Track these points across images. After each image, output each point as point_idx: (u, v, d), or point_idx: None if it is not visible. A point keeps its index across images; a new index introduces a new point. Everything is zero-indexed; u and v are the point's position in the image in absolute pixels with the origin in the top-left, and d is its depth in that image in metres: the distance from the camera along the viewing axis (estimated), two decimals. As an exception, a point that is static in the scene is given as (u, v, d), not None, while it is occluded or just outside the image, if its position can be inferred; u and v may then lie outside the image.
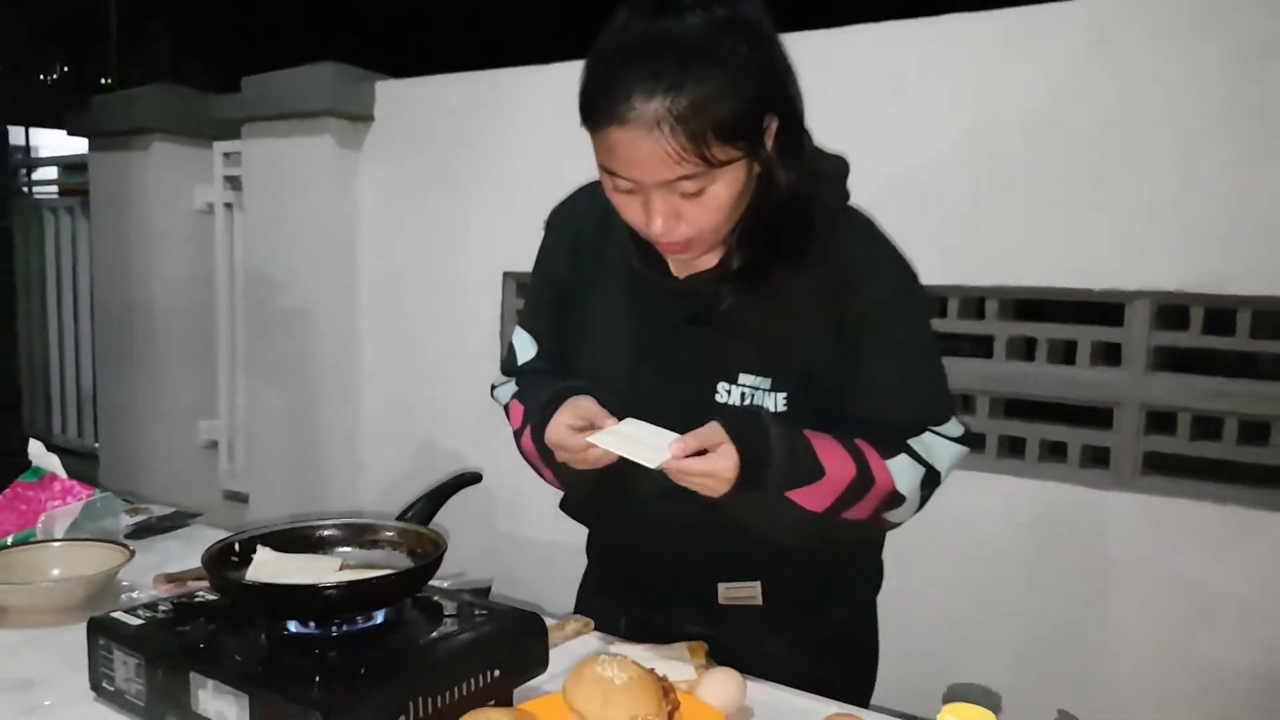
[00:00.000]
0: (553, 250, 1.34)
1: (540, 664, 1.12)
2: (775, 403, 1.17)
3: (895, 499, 1.16)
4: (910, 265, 1.23)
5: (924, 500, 1.21)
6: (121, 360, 3.62)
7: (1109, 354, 1.92)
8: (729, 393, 1.18)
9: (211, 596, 1.13)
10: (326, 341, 3.04)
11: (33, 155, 5.64)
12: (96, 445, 3.92)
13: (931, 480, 1.18)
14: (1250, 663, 1.75)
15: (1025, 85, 1.95)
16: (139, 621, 1.08)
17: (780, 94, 1.09)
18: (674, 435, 1.09)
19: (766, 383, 1.17)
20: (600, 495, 1.30)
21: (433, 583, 1.14)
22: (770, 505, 1.11)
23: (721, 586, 1.27)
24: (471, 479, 1.45)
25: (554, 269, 1.33)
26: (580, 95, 1.07)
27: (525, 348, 1.38)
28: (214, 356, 3.58)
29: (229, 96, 3.24)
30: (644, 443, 1.10)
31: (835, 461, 1.12)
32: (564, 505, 1.41)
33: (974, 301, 2.04)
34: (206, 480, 3.60)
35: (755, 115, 1.06)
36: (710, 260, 1.20)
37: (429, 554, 1.12)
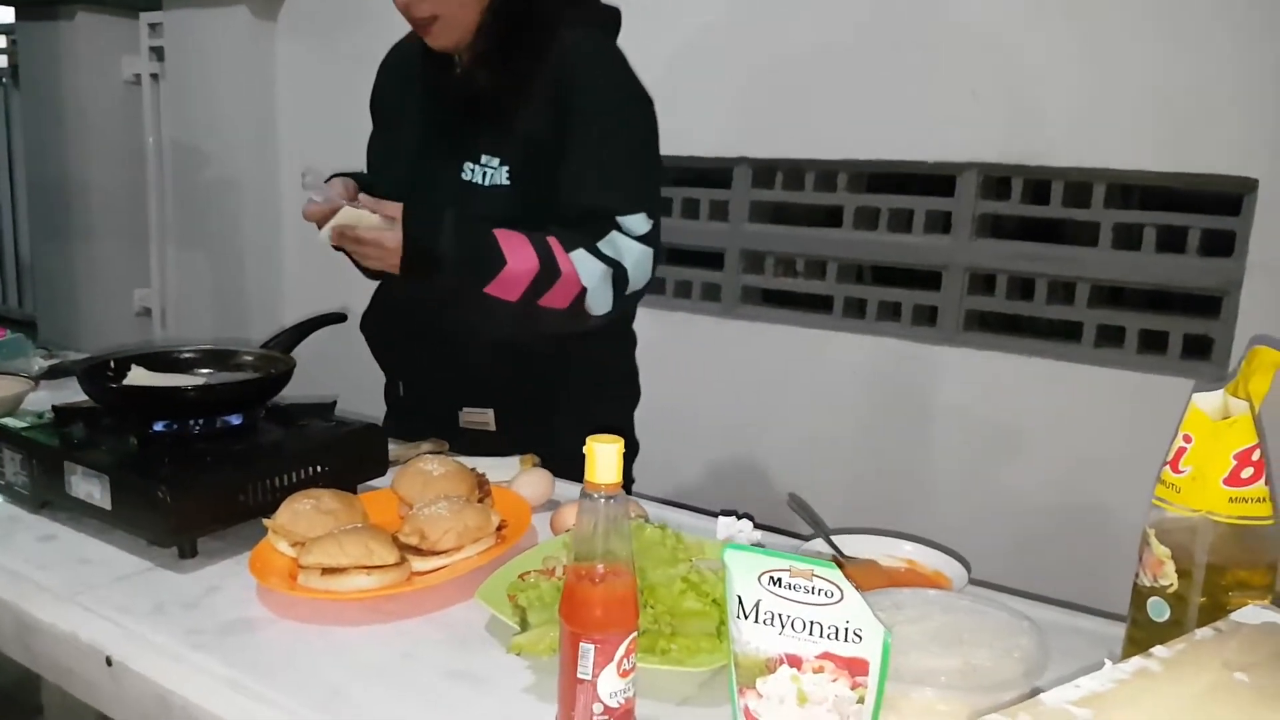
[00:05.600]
0: (376, 80, 1.62)
1: (379, 467, 1.31)
2: (501, 177, 1.40)
3: (582, 290, 1.34)
4: (634, 80, 1.43)
5: (618, 296, 1.38)
6: (56, 231, 3.71)
7: (943, 223, 2.11)
8: (473, 171, 1.42)
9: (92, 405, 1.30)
10: (249, 210, 3.16)
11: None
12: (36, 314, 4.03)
13: (620, 278, 1.37)
14: (1048, 493, 2.00)
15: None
16: (24, 424, 1.26)
17: None
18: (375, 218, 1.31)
19: (496, 161, 1.40)
20: (376, 334, 1.60)
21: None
22: (476, 304, 1.32)
23: (461, 411, 1.51)
24: (335, 318, 1.61)
25: (374, 97, 1.62)
26: None
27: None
28: (146, 226, 3.67)
29: (148, -35, 3.27)
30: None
31: (518, 253, 1.32)
32: (361, 325, 1.65)
33: (829, 176, 2.21)
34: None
35: None
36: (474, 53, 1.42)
37: (280, 372, 1.30)
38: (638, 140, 1.43)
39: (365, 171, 1.60)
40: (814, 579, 0.73)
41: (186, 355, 1.37)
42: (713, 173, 2.39)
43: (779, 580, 0.74)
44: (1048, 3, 1.90)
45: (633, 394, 1.63)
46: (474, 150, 1.41)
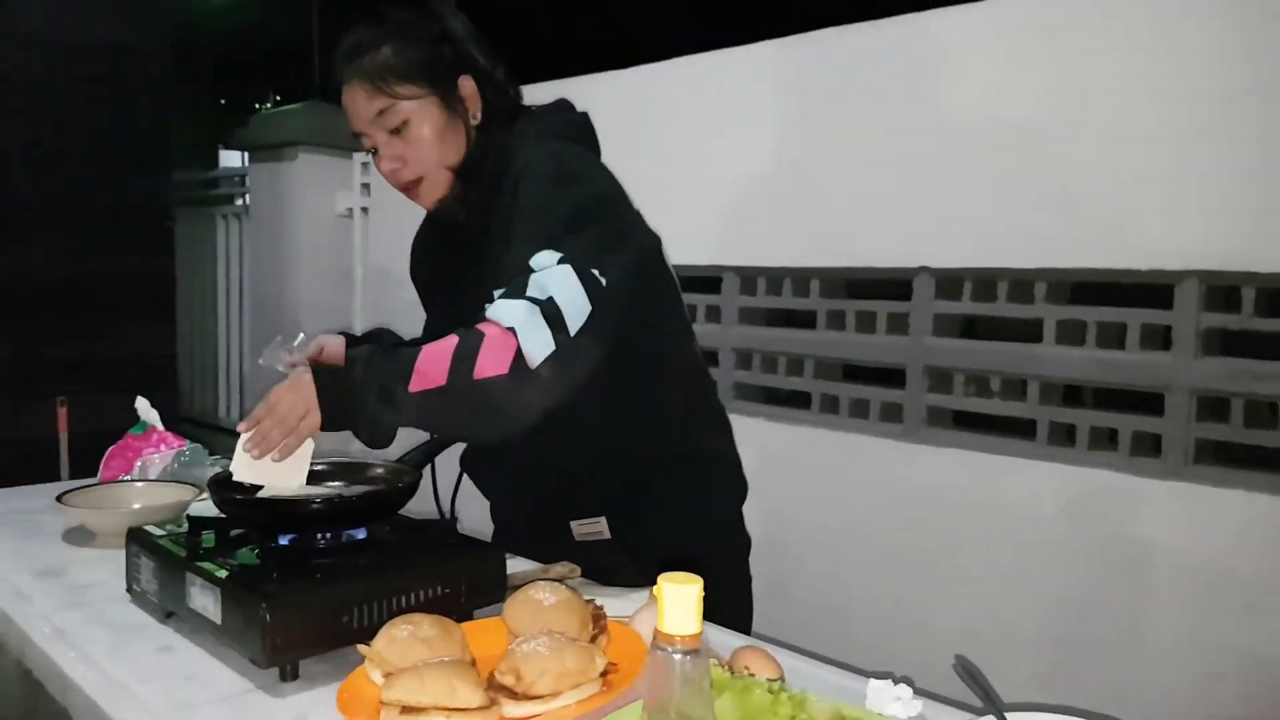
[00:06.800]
0: (411, 257, 1.74)
1: (496, 592, 1.21)
2: None
3: (515, 340, 1.17)
4: (569, 165, 1.35)
5: (559, 333, 1.19)
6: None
7: (1161, 338, 1.85)
8: None
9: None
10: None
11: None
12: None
13: (553, 312, 1.19)
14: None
15: (1061, 67, 1.92)
16: (162, 533, 1.26)
17: (467, 64, 1.40)
18: None
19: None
20: (478, 460, 1.56)
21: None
22: (410, 411, 1.19)
23: (573, 524, 1.44)
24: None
25: (411, 272, 1.74)
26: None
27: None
28: (350, 346, 3.88)
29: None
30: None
31: (434, 344, 1.20)
32: (462, 463, 1.60)
33: (1025, 285, 2.01)
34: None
35: (431, 68, 1.37)
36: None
37: (405, 485, 1.25)
38: (559, 209, 1.30)
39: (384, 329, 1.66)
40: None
41: (319, 467, 1.34)
42: (890, 284, 2.23)
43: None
44: (1275, 84, 1.66)
45: (740, 483, 1.55)
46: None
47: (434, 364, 1.18)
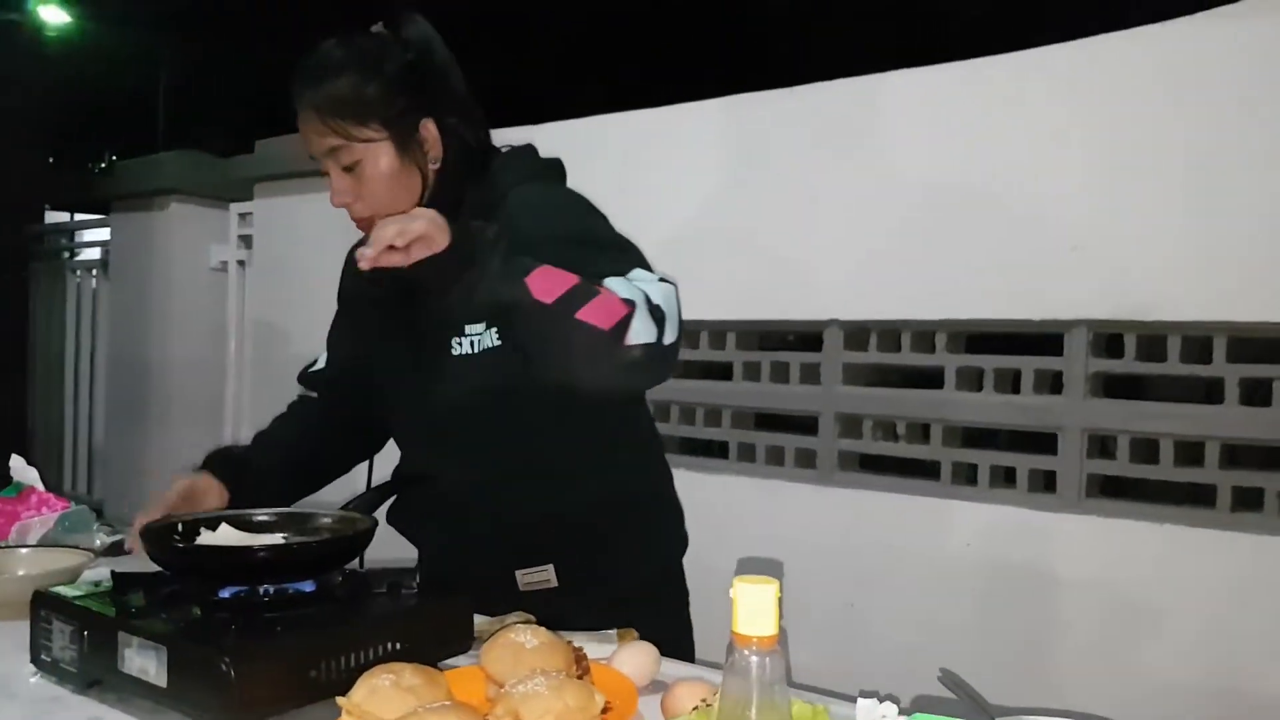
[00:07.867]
0: (344, 270, 1.62)
1: (464, 641, 1.17)
2: (491, 339, 1.34)
3: (627, 310, 1.18)
4: (574, 193, 1.40)
5: (661, 330, 1.20)
6: (131, 415, 3.73)
7: (1052, 382, 1.99)
8: (460, 344, 1.36)
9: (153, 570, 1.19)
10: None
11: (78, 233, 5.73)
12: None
13: (657, 313, 1.20)
14: (1194, 676, 1.76)
15: (968, 135, 2.08)
16: (79, 593, 1.14)
17: (435, 107, 1.36)
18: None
19: (481, 326, 1.34)
20: (409, 510, 1.52)
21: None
22: (511, 298, 1.16)
23: (518, 574, 1.41)
24: (418, 479, 1.53)
25: (342, 287, 1.63)
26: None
27: (320, 360, 1.64)
28: (222, 409, 3.68)
29: (243, 158, 3.43)
30: None
31: (550, 270, 1.18)
32: (389, 518, 1.55)
33: (927, 336, 2.13)
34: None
35: (390, 109, 1.32)
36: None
37: (360, 532, 1.19)
38: (588, 226, 1.36)
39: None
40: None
41: (262, 518, 1.27)
42: (802, 336, 2.32)
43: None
44: (1157, 148, 1.84)
45: (683, 531, 1.55)
46: (456, 326, 1.36)
47: (551, 281, 1.16)
